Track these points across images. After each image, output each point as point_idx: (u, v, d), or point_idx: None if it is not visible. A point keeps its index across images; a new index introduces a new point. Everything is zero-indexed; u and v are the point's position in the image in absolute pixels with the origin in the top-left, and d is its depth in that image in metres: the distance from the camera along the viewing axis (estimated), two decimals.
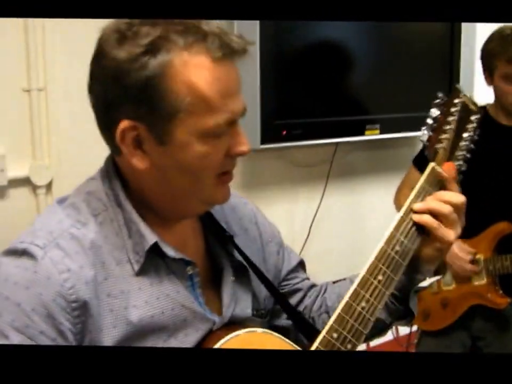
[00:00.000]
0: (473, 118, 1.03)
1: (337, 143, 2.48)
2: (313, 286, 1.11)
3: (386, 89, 2.46)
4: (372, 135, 2.43)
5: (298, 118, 2.26)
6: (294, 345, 0.93)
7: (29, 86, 1.81)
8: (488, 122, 1.94)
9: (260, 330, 0.91)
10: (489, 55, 1.88)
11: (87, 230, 0.84)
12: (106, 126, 0.85)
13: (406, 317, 1.03)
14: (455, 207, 0.94)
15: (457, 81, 2.57)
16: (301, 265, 1.12)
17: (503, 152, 1.93)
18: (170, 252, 0.87)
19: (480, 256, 1.94)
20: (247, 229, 1.03)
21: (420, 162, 2.10)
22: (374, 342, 1.07)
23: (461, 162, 1.02)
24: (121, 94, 0.81)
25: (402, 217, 0.94)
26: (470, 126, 1.03)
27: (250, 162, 2.35)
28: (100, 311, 0.81)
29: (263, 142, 2.16)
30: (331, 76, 2.34)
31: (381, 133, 2.43)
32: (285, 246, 1.11)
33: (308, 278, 1.12)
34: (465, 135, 1.02)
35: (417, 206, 0.95)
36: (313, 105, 2.30)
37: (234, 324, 0.93)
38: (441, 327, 2.06)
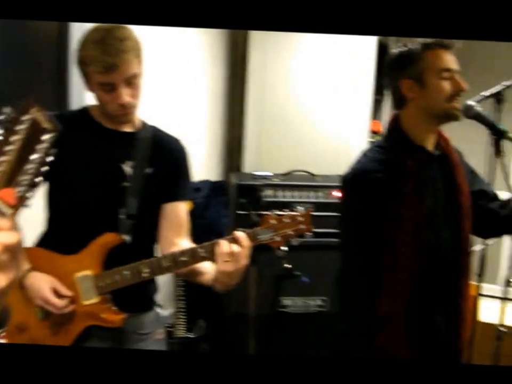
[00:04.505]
0: (45, 137, 0.89)
1: None
2: None
3: None
4: None
5: None
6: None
7: None
8: (91, 125, 1.77)
9: None
10: (83, 63, 1.67)
11: None
12: None
13: None
14: (7, 248, 0.80)
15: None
16: None
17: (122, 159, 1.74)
18: None
19: (88, 273, 1.69)
20: None
21: None
22: None
23: (24, 188, 0.87)
24: None
25: None
26: (40, 146, 0.88)
27: None
28: None
29: None
30: None
31: None
32: None
33: None
34: (33, 157, 0.88)
35: None
36: None
37: None
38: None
